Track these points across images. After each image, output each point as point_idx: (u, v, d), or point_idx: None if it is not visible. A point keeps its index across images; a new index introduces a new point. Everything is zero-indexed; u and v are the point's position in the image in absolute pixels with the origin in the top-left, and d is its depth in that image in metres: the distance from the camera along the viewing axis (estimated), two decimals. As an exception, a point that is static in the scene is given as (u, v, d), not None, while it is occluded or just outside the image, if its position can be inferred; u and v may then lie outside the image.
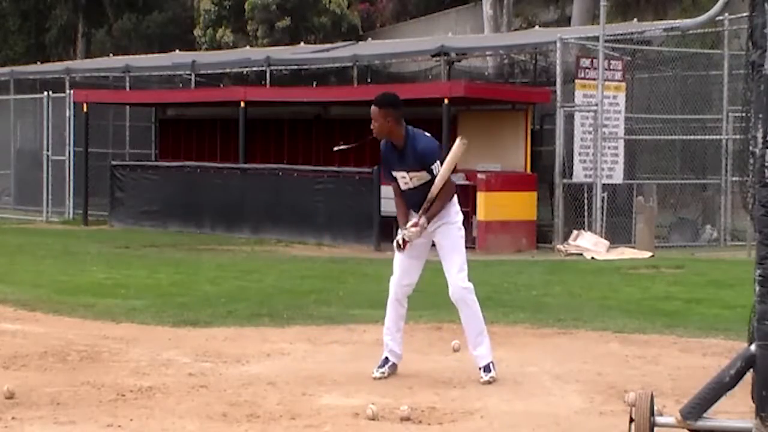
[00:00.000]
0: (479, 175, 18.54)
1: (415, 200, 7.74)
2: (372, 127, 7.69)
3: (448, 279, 7.73)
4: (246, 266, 15.54)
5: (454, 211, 7.79)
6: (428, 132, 7.89)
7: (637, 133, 19.88)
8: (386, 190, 18.62)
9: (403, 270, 7.82)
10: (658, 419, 5.65)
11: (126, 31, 39.02)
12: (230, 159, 22.84)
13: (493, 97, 19.43)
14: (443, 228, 7.73)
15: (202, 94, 25.21)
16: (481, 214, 18.48)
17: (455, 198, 7.84)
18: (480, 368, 7.68)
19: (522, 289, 12.85)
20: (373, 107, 7.67)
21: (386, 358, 7.90)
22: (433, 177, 7.63)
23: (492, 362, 7.70)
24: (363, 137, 7.93)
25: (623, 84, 19.19)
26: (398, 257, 7.81)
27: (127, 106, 26.83)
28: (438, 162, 7.62)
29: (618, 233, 18.63)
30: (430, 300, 9.95)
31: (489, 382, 7.57)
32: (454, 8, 34.04)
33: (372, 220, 18.68)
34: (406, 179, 7.73)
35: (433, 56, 23.30)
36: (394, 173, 7.80)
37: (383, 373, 7.81)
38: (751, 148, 5.49)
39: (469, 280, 7.74)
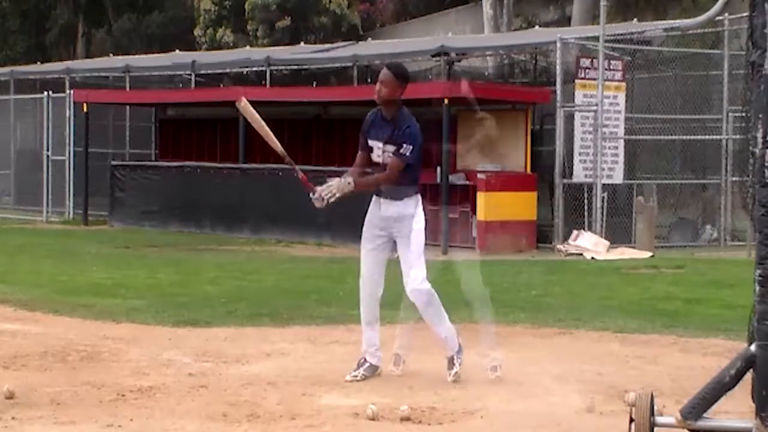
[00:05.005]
0: (479, 175, 18.54)
1: None
2: (377, 90, 7.68)
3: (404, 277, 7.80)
4: (246, 266, 15.54)
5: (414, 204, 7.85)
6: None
7: (637, 133, 19.87)
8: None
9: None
10: (658, 419, 5.65)
11: (126, 31, 39.04)
12: (230, 159, 22.83)
13: (493, 97, 19.40)
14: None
15: (202, 94, 25.20)
16: (481, 214, 18.46)
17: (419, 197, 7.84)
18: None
19: (522, 289, 12.84)
20: (388, 73, 7.65)
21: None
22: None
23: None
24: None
25: (623, 84, 19.17)
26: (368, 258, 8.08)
27: (127, 106, 26.83)
28: (411, 148, 7.60)
29: (618, 233, 18.61)
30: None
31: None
32: (454, 8, 34.03)
33: (372, 220, 18.64)
34: (380, 151, 7.77)
35: (433, 56, 23.29)
36: (372, 142, 7.82)
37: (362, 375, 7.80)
38: (751, 148, 5.49)
39: (429, 281, 7.79)
